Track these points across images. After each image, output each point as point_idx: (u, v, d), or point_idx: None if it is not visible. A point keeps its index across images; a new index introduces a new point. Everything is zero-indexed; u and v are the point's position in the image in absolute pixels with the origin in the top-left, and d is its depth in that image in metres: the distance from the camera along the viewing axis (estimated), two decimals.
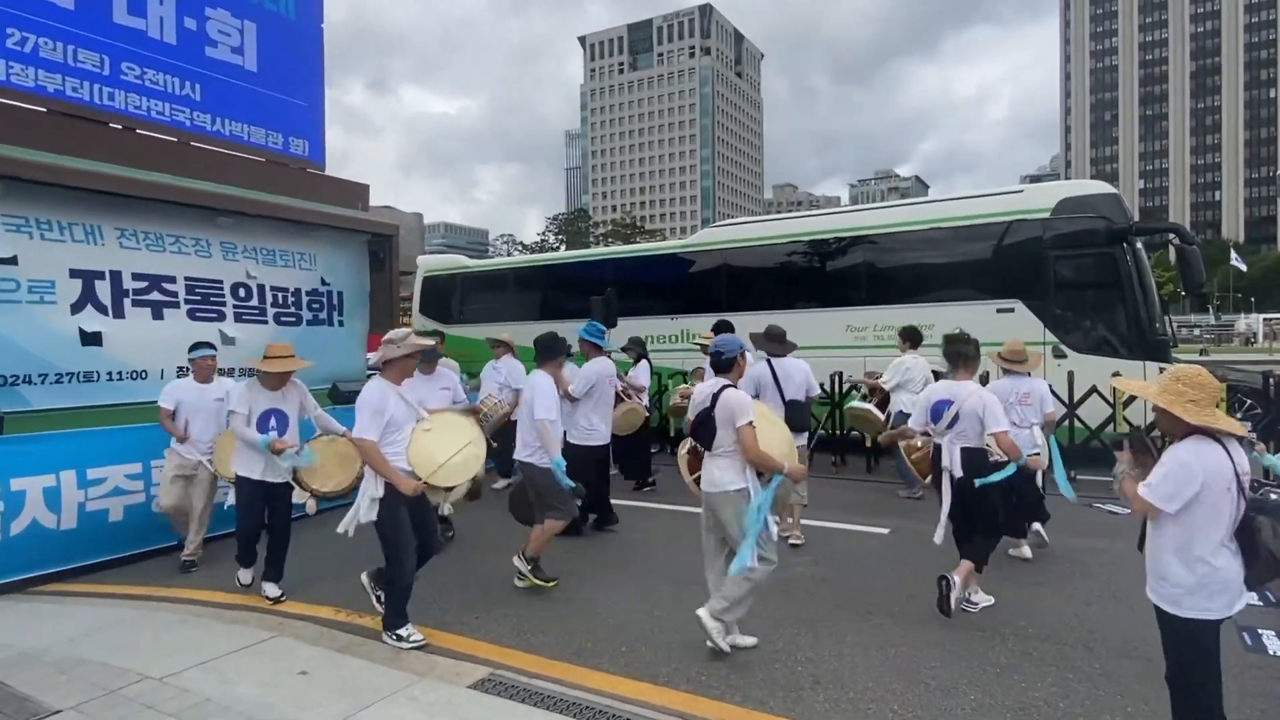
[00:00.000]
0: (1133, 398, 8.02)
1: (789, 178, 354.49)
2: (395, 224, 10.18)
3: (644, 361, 8.48)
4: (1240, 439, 2.61)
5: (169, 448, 5.64)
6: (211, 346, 5.82)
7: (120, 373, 6.80)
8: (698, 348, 8.34)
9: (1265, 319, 48.43)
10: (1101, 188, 9.39)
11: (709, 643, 3.87)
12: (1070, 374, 8.49)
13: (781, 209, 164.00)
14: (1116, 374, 7.23)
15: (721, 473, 3.90)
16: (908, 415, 5.63)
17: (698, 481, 4.16)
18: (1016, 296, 9.15)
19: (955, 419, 4.52)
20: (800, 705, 3.42)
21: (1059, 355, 8.90)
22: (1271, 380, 8.53)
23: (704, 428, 3.91)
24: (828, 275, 10.78)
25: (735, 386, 3.97)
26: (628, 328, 10.20)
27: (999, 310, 9.16)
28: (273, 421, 4.77)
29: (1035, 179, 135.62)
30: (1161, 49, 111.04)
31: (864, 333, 10.11)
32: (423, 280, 14.38)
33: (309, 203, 8.61)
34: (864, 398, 8.44)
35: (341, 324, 9.08)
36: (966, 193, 10.27)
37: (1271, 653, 3.85)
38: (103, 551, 5.58)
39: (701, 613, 3.88)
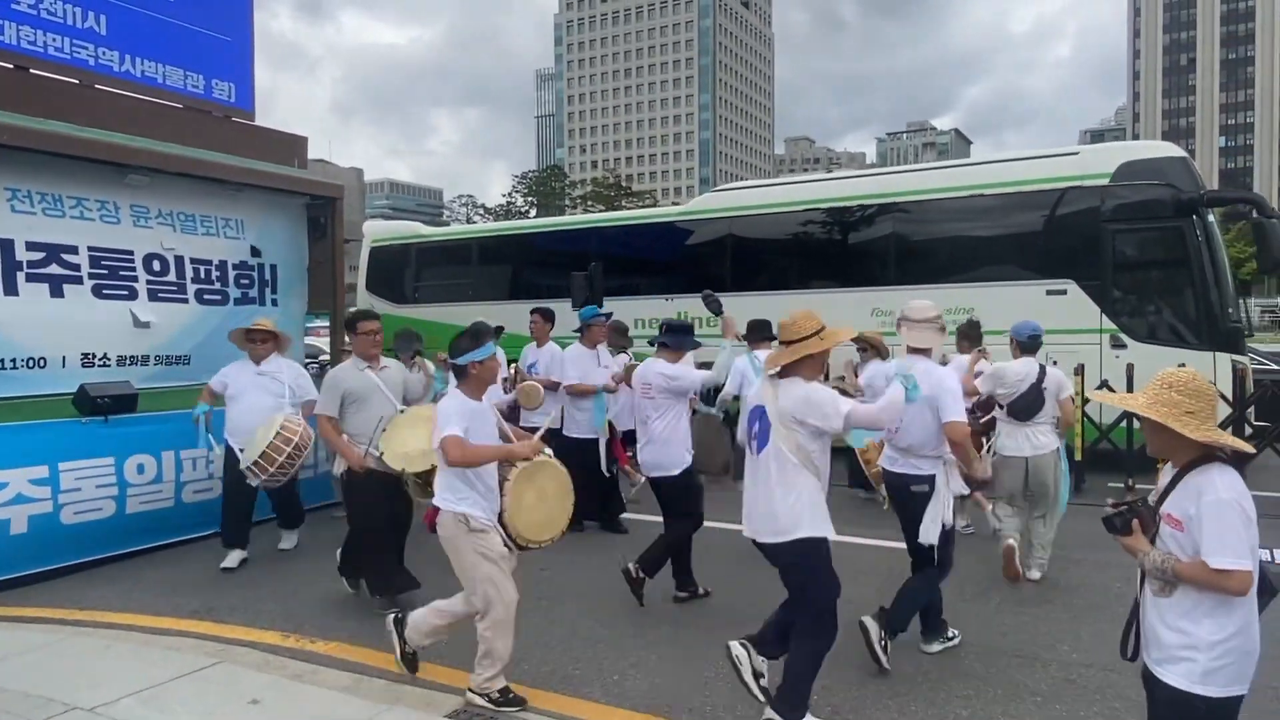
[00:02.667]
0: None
1: (805, 130, 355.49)
2: (340, 184, 10.30)
3: (623, 355, 8.31)
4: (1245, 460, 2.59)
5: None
6: None
7: (14, 360, 6.89)
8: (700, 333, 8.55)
9: None
10: (1168, 149, 9.70)
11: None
12: (1129, 366, 8.77)
13: (796, 167, 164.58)
14: (1183, 365, 7.52)
15: (1046, 438, 5.74)
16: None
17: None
18: (1069, 276, 9.46)
19: None
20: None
21: (1117, 345, 9.21)
22: None
23: (1033, 400, 5.69)
24: (850, 250, 11.04)
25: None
26: (616, 310, 10.38)
27: (1049, 292, 9.45)
28: None
29: (1097, 136, 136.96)
30: None
31: (891, 317, 10.35)
32: (370, 251, 14.51)
33: (236, 158, 8.69)
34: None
35: (275, 302, 9.19)
36: (1014, 153, 10.55)
37: None
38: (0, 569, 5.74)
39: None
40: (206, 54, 8.71)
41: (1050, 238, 9.71)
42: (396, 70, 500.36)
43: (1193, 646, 2.39)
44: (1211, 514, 2.33)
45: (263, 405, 6.26)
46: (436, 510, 4.06)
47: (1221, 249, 9.53)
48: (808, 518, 3.64)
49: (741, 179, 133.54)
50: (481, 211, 72.93)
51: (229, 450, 6.30)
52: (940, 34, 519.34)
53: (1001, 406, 5.93)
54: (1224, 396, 8.33)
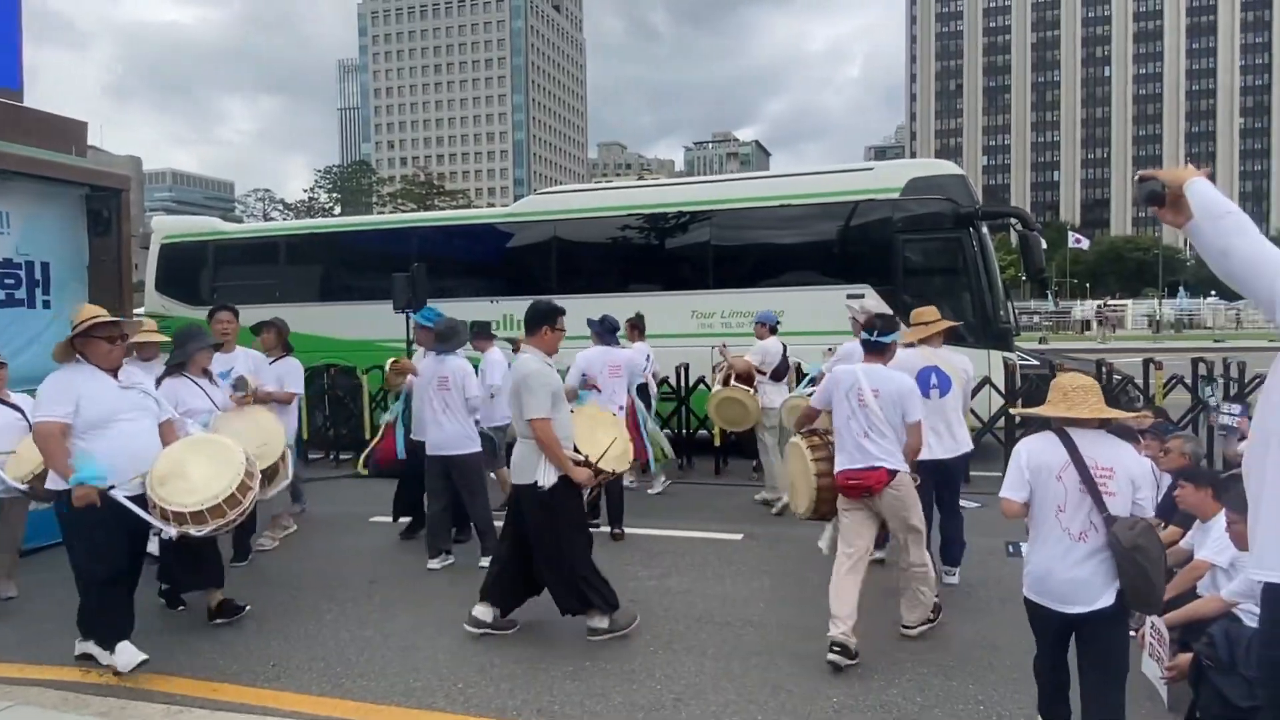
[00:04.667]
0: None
1: (618, 135, 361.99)
2: (126, 175, 9.45)
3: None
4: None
5: None
6: None
7: None
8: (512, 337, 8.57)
9: (1099, 305, 56.84)
10: (950, 168, 10.77)
11: None
12: None
13: (608, 171, 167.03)
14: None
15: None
16: None
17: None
18: (866, 281, 10.27)
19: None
20: None
21: (909, 344, 10.09)
22: (1104, 368, 10.27)
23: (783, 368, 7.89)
24: (671, 254, 11.42)
25: None
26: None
27: (849, 296, 10.22)
28: None
29: (880, 152, 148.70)
30: (1005, 15, 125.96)
31: (711, 320, 10.83)
32: (161, 248, 13.32)
33: (2, 144, 7.79)
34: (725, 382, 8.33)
35: (47, 305, 8.29)
36: (814, 167, 11.42)
37: None
38: None
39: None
40: None
41: (849, 246, 10.52)
42: (181, 51, 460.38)
43: None
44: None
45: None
46: None
47: (994, 258, 10.69)
48: None
49: (556, 181, 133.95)
50: (280, 207, 68.59)
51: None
52: (745, 49, 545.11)
53: (763, 373, 8.09)
54: (996, 388, 9.37)
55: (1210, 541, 4.25)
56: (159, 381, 5.28)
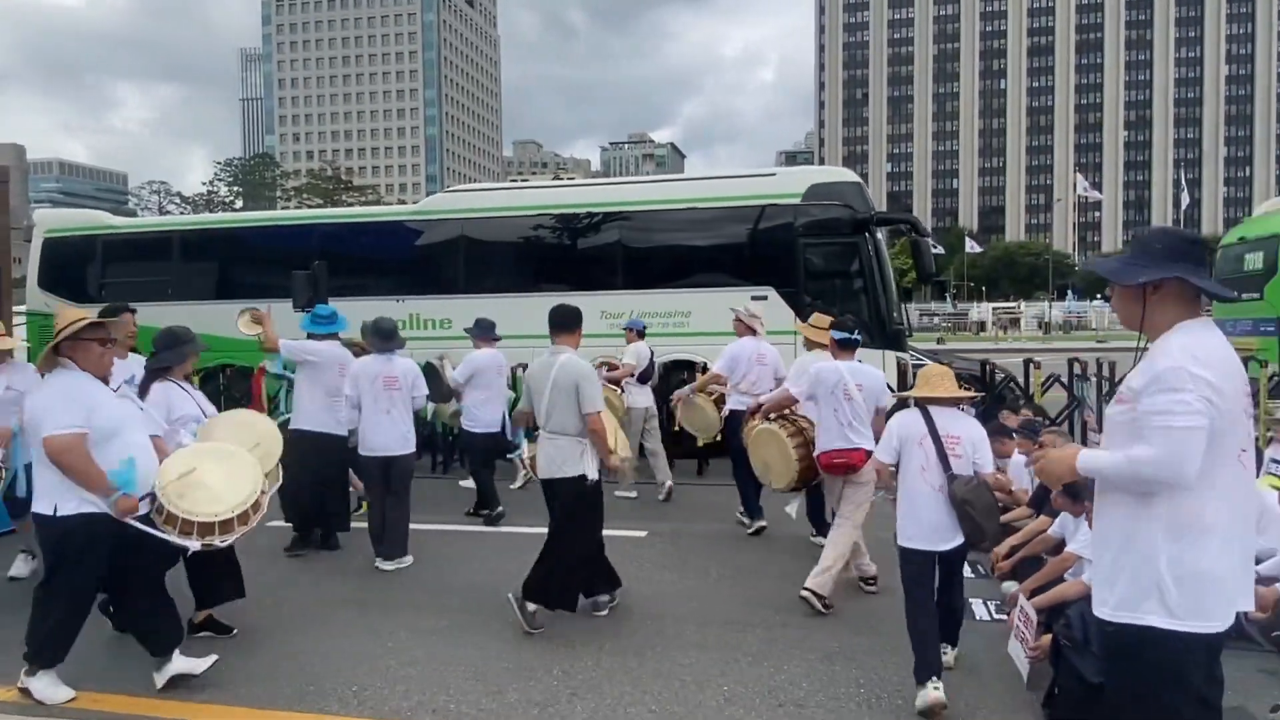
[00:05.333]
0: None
1: (534, 134, 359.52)
2: (4, 165, 8.97)
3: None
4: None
5: None
6: None
7: None
8: (433, 335, 8.49)
9: (994, 308, 59.50)
10: (847, 175, 11.17)
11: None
12: None
13: (524, 170, 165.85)
14: (860, 362, 8.69)
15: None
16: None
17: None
18: (770, 283, 10.56)
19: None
20: (558, 719, 3.90)
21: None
22: (988, 367, 10.83)
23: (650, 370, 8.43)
24: (580, 255, 11.49)
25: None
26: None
27: (754, 298, 10.48)
28: None
29: (791, 157, 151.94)
30: (908, 28, 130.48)
31: (620, 320, 10.92)
32: (44, 243, 12.64)
33: None
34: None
35: None
36: (723, 171, 11.73)
37: (978, 617, 5.10)
38: None
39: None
40: None
41: (753, 248, 10.79)
42: (70, 35, 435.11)
43: None
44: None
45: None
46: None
47: (888, 262, 11.13)
48: None
49: (470, 178, 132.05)
50: (178, 201, 65.72)
51: None
52: (661, 50, 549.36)
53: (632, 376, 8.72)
54: (891, 387, 9.75)
55: (1080, 535, 4.60)
56: (144, 386, 4.94)
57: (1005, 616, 4.72)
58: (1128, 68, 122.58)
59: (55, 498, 3.91)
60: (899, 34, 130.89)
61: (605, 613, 5.20)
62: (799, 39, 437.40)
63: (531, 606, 4.89)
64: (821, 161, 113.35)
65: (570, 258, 11.54)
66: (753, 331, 7.58)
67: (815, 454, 5.64)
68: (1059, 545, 4.96)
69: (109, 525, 3.92)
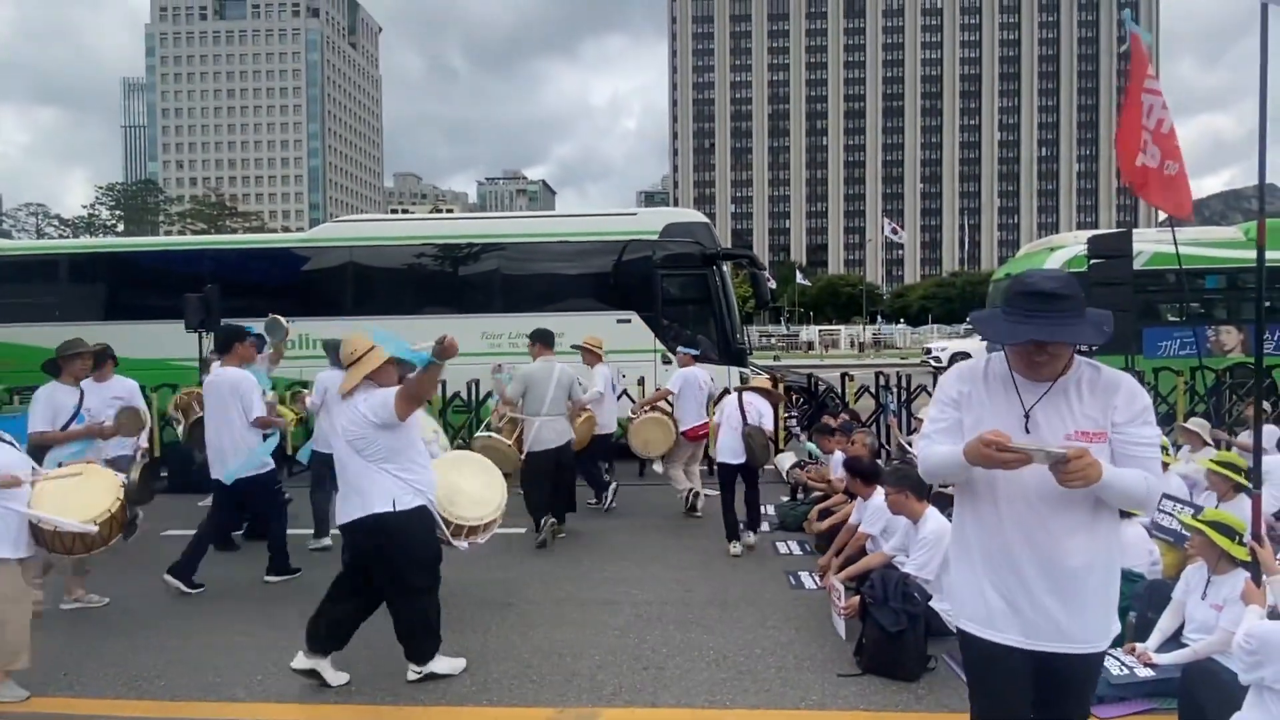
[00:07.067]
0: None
1: (415, 167, 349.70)
2: None
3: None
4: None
5: None
6: None
7: None
8: (325, 355, 8.21)
9: (819, 330, 62.95)
10: (697, 216, 11.70)
11: None
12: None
13: (404, 200, 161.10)
14: (711, 378, 9.10)
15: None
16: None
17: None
18: (632, 309, 10.89)
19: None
20: (436, 694, 3.97)
21: (667, 361, 10.85)
22: (814, 381, 11.55)
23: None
24: (462, 281, 11.46)
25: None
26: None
27: (619, 321, 10.80)
28: None
29: (650, 196, 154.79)
30: (746, 89, 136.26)
31: (499, 340, 10.98)
32: None
33: None
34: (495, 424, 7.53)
35: None
36: (591, 209, 12.05)
37: (808, 587, 5.50)
38: None
39: None
40: None
41: (618, 278, 11.09)
42: None
43: None
44: None
45: None
46: None
47: (732, 291, 11.71)
48: None
49: (353, 207, 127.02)
50: (56, 223, 59.76)
51: None
52: (536, 95, 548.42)
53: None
54: (728, 389, 10.29)
55: (867, 516, 5.21)
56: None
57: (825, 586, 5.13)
58: (924, 131, 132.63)
59: (394, 494, 3.92)
60: (740, 94, 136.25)
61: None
62: (657, 93, 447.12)
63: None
64: (675, 202, 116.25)
65: (453, 284, 11.49)
66: (599, 358, 7.80)
67: (680, 430, 7.70)
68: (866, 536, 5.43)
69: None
